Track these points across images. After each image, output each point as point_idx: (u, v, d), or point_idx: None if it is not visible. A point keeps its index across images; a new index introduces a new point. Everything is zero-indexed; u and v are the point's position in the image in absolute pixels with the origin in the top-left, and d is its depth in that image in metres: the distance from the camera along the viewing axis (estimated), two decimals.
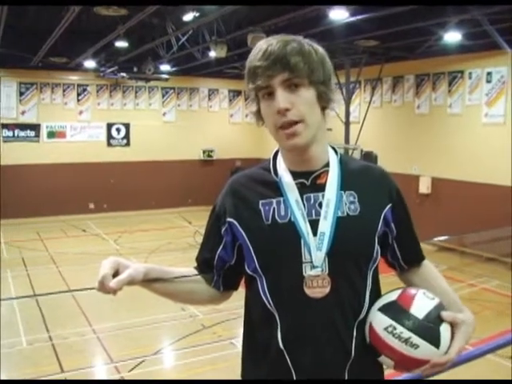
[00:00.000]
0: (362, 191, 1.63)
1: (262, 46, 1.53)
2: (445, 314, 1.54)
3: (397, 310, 1.54)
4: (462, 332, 1.55)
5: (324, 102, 1.58)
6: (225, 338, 7.65)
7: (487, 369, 5.76)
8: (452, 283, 9.82)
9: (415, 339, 1.49)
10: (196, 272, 1.75)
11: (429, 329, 1.51)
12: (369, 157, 12.33)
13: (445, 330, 1.53)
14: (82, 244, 13.73)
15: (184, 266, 1.79)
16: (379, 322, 1.55)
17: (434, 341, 1.50)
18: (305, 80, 1.52)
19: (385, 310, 1.56)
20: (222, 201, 1.70)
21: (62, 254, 12.65)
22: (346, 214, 1.59)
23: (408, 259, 1.78)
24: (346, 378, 1.58)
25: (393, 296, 1.59)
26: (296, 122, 1.51)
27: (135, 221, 16.73)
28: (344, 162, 1.67)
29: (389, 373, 1.73)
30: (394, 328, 1.51)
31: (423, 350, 1.49)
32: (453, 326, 1.55)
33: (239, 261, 1.68)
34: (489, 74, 12.00)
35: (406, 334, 1.49)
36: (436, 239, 11.84)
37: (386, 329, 1.52)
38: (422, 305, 1.54)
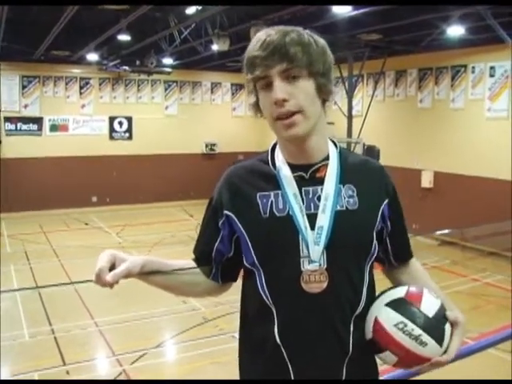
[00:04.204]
0: (361, 185, 1.62)
1: (261, 36, 1.51)
2: (449, 314, 1.56)
3: (407, 307, 1.54)
4: (460, 332, 1.57)
5: (324, 94, 1.56)
6: (226, 332, 7.66)
7: (488, 363, 5.76)
8: (454, 278, 9.84)
9: (425, 337, 1.50)
10: (194, 264, 1.74)
11: (437, 327, 1.53)
12: (371, 151, 12.30)
13: (448, 329, 1.55)
14: (85, 237, 13.74)
15: (185, 259, 1.79)
16: (388, 317, 1.54)
17: (440, 339, 1.52)
18: (304, 71, 1.49)
19: (394, 306, 1.55)
20: (219, 193, 1.68)
21: (64, 247, 12.68)
22: (344, 207, 1.58)
23: (398, 256, 1.78)
24: (344, 372, 1.58)
25: (400, 293, 1.59)
26: (294, 113, 1.49)
27: (137, 214, 16.74)
28: (343, 156, 1.66)
29: (383, 368, 1.74)
30: (405, 325, 1.51)
31: (430, 348, 1.51)
32: (452, 325, 1.57)
33: (237, 253, 1.67)
34: (492, 68, 11.96)
35: (417, 331, 1.50)
36: (438, 233, 11.85)
37: (396, 325, 1.52)
38: (430, 303, 1.55)
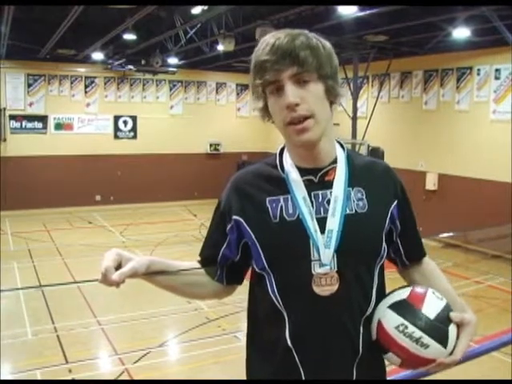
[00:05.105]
0: (369, 188, 1.62)
1: (270, 40, 1.50)
2: (453, 315, 1.55)
3: (408, 309, 1.54)
4: (467, 333, 1.56)
5: (332, 97, 1.56)
6: (229, 332, 7.66)
7: (488, 365, 5.77)
8: (457, 280, 9.81)
9: (426, 339, 1.50)
10: (199, 266, 1.74)
11: (439, 329, 1.52)
12: (375, 152, 12.29)
13: (452, 330, 1.54)
14: (88, 236, 13.77)
15: (189, 259, 1.79)
16: (390, 320, 1.54)
17: (443, 341, 1.51)
18: (314, 75, 1.49)
19: (396, 308, 1.55)
20: (227, 198, 1.67)
21: (68, 245, 12.69)
22: (354, 211, 1.58)
23: (410, 255, 1.78)
24: (354, 374, 1.58)
25: (403, 294, 1.58)
26: (306, 118, 1.48)
27: (141, 213, 16.75)
28: (351, 158, 1.66)
29: (390, 369, 1.74)
30: (406, 327, 1.51)
31: (432, 349, 1.50)
32: (459, 326, 1.56)
33: (243, 258, 1.67)
34: (497, 70, 11.93)
35: (418, 333, 1.50)
36: (442, 235, 11.82)
37: (397, 327, 1.52)
38: (432, 305, 1.55)
